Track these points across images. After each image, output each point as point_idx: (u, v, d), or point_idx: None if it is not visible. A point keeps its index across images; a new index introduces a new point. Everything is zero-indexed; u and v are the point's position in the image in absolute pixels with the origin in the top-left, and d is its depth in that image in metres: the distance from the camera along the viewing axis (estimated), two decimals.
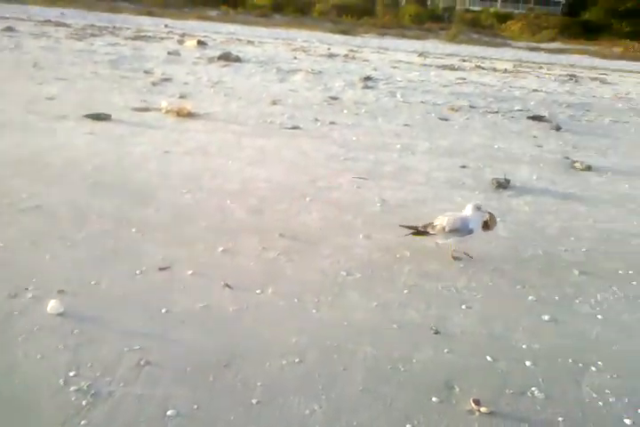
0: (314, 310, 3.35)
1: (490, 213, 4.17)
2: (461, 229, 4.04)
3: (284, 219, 4.69)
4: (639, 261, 4.36)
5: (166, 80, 10.90)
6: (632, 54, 35.62)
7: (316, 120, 8.54)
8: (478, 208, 4.07)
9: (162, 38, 19.19)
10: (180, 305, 3.27)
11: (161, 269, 3.66)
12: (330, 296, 3.53)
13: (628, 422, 2.62)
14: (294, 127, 7.97)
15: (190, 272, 3.65)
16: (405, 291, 3.68)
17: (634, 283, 4.02)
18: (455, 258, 4.22)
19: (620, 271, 4.19)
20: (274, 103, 9.50)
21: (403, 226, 4.29)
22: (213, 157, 6.28)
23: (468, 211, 4.09)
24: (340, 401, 2.60)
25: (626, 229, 5.06)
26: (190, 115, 8.08)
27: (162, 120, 7.79)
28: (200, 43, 18.00)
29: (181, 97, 9.38)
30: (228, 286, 3.51)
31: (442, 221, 4.13)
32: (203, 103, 9.06)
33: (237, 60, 14.45)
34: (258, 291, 3.50)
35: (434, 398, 2.67)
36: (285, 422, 2.45)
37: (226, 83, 11.26)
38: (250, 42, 21.24)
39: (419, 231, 4.21)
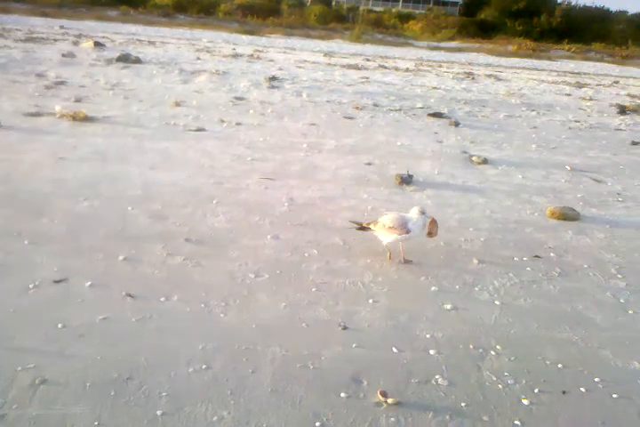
0: (221, 315, 3.30)
1: (433, 219, 4.17)
2: (398, 228, 4.03)
3: (190, 223, 4.59)
4: (533, 248, 4.63)
5: (61, 83, 10.38)
6: (524, 52, 37.75)
7: (222, 121, 8.43)
8: (422, 212, 4.06)
9: (56, 40, 18.26)
10: (78, 319, 3.12)
11: (56, 281, 3.48)
12: (238, 299, 3.49)
13: (525, 402, 2.76)
14: (199, 129, 7.83)
15: (89, 283, 3.49)
16: (314, 289, 3.70)
17: (528, 269, 4.25)
18: (406, 261, 4.22)
19: (516, 258, 4.43)
20: (177, 105, 9.29)
21: (351, 221, 4.40)
22: (113, 162, 6.04)
23: (412, 213, 4.08)
24: (249, 405, 2.57)
25: (520, 218, 5.35)
26: (87, 119, 7.74)
27: (56, 125, 7.41)
28: (97, 44, 17.29)
29: (77, 101, 8.97)
30: (129, 295, 3.39)
31: (384, 218, 4.16)
32: (101, 107, 8.71)
33: (137, 61, 14.00)
34: (162, 299, 3.40)
35: (342, 394, 2.70)
36: None
37: (125, 85, 10.88)
38: (151, 43, 20.64)
39: (362, 227, 4.27)
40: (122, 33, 25.55)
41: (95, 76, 11.54)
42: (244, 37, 30.34)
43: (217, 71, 13.53)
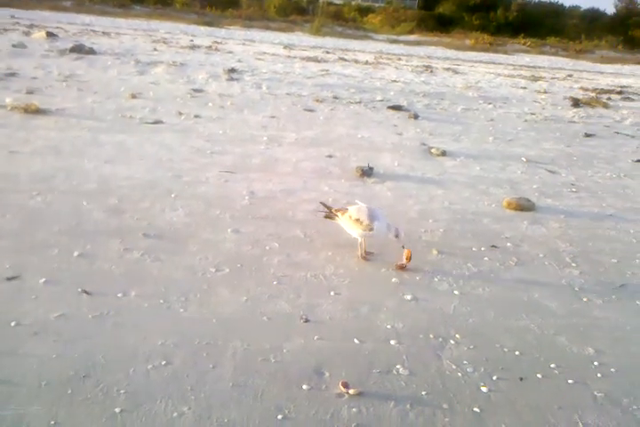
0: (181, 310, 3.25)
1: (409, 250, 3.95)
2: (364, 223, 3.92)
3: (148, 217, 4.50)
4: (490, 238, 4.71)
5: (11, 75, 10.01)
6: (482, 46, 38.26)
7: (180, 113, 8.28)
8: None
9: (5, 30, 17.58)
10: (32, 316, 3.03)
11: (9, 278, 3.37)
12: (198, 294, 3.44)
13: (484, 389, 2.81)
14: (156, 121, 7.67)
15: (43, 280, 3.39)
16: (275, 282, 3.69)
17: (486, 259, 4.33)
18: (365, 256, 4.13)
19: (474, 249, 4.50)
20: (133, 97, 9.08)
21: (322, 203, 4.30)
22: (67, 155, 5.87)
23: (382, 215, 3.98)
24: (210, 400, 2.55)
25: (478, 209, 5.43)
26: (40, 111, 7.49)
27: (7, 118, 7.15)
28: (50, 34, 16.73)
29: (29, 93, 8.67)
30: (85, 292, 3.31)
31: (352, 208, 4.05)
32: (54, 99, 8.44)
33: (92, 52, 13.61)
34: (119, 295, 3.33)
35: (304, 386, 2.70)
36: None
37: (79, 76, 10.57)
38: (106, 33, 20.08)
39: (329, 213, 4.17)
40: (76, 23, 24.78)
41: (48, 68, 11.18)
42: (203, 29, 29.81)
43: (174, 63, 13.29)
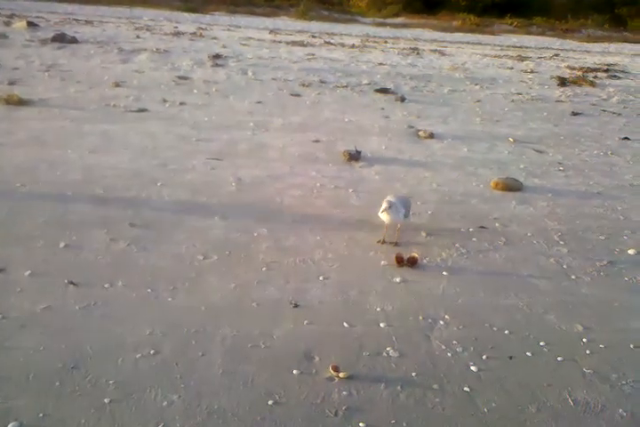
0: (169, 298, 3.23)
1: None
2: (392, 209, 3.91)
3: (134, 207, 4.46)
4: (478, 219, 4.71)
5: None
6: (468, 27, 38.01)
7: (165, 101, 8.19)
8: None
9: None
10: (18, 309, 3.00)
11: None
12: (186, 282, 3.42)
13: (474, 368, 2.82)
14: (141, 110, 7.58)
15: (28, 272, 3.35)
16: (264, 268, 3.67)
17: (474, 239, 4.33)
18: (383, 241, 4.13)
19: (462, 230, 4.50)
20: (117, 85, 8.96)
21: None
22: (51, 146, 5.80)
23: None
24: (199, 387, 2.54)
25: (466, 190, 5.43)
26: (22, 102, 7.38)
27: None
28: (31, 24, 16.44)
29: (11, 83, 8.54)
30: (72, 283, 3.28)
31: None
32: (36, 89, 8.32)
33: (74, 41, 13.41)
34: (106, 285, 3.31)
35: (294, 371, 2.70)
36: (142, 418, 2.34)
37: (62, 66, 10.41)
38: (88, 22, 19.77)
39: None
40: (58, 12, 24.36)
41: (29, 58, 11.01)
42: (187, 15, 29.40)
43: (158, 50, 13.12)
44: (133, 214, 4.30)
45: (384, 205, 3.93)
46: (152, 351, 2.76)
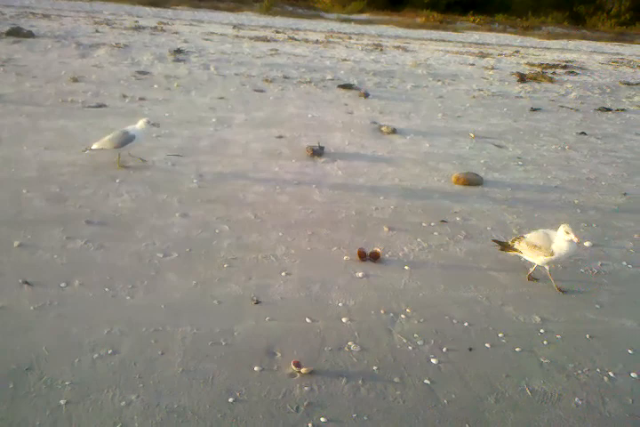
0: (128, 297, 3.17)
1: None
2: (540, 246, 3.52)
3: (91, 204, 4.36)
4: (439, 213, 4.76)
5: None
6: (432, 24, 38.34)
7: (124, 97, 8.03)
8: (567, 232, 3.42)
9: None
10: None
11: None
12: (145, 280, 3.37)
13: (434, 361, 2.85)
14: (100, 105, 7.42)
15: None
16: (225, 265, 3.64)
17: (435, 233, 4.37)
18: (561, 290, 3.66)
19: (424, 224, 4.54)
20: (75, 80, 8.74)
21: (494, 241, 3.89)
22: (5, 143, 5.62)
23: (559, 231, 3.47)
24: (158, 386, 2.50)
25: (428, 185, 5.48)
26: None
27: None
28: None
29: None
30: (26, 283, 3.19)
31: (529, 236, 3.64)
32: None
33: (30, 35, 13.02)
34: (63, 284, 3.23)
35: (256, 368, 2.68)
36: (99, 418, 2.30)
37: (17, 61, 10.11)
38: (46, 16, 19.23)
39: (505, 246, 3.76)
40: (13, 6, 23.65)
41: None
42: (149, 9, 28.88)
43: (118, 45, 12.84)
44: (91, 212, 4.21)
45: (571, 235, 3.41)
46: (110, 351, 2.70)
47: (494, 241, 3.88)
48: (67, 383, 2.48)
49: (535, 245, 3.54)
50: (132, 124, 5.20)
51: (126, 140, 5.07)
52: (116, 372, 2.57)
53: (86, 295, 3.15)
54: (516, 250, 3.67)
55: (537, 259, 3.58)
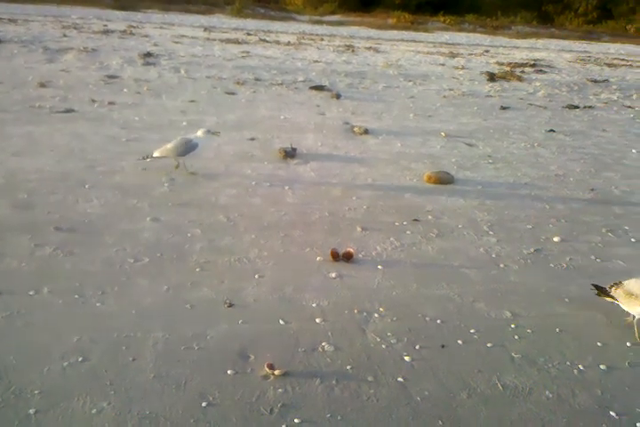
0: (98, 304, 3.13)
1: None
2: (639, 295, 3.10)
3: (60, 210, 4.30)
4: (412, 212, 4.79)
5: None
6: (403, 24, 38.61)
7: (93, 101, 7.94)
8: None
9: None
10: None
11: None
12: (116, 286, 3.33)
13: (407, 359, 2.86)
14: (68, 110, 7.32)
15: None
16: (198, 269, 3.61)
17: (408, 232, 4.40)
18: None
19: (397, 223, 4.56)
20: (42, 86, 8.62)
21: (593, 285, 3.42)
22: None
23: None
24: (130, 393, 2.47)
25: (400, 185, 5.51)
26: None
27: None
28: None
29: None
30: None
31: (628, 282, 3.22)
32: None
33: None
34: (31, 292, 3.17)
35: (229, 371, 2.67)
36: None
37: None
38: (12, 20, 18.93)
39: (603, 292, 3.34)
40: None
41: None
42: (118, 13, 28.60)
43: (86, 49, 12.70)
44: (59, 219, 4.15)
45: None
46: (80, 359, 2.66)
47: (593, 285, 3.43)
48: (36, 392, 2.43)
49: (632, 294, 3.13)
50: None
51: (189, 148, 5.06)
52: (86, 379, 2.54)
53: (56, 303, 3.10)
54: (612, 297, 3.26)
55: (633, 309, 3.15)
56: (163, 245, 3.89)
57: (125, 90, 8.94)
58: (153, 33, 18.32)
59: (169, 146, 5.12)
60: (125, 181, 5.02)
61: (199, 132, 5.16)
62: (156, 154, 5.09)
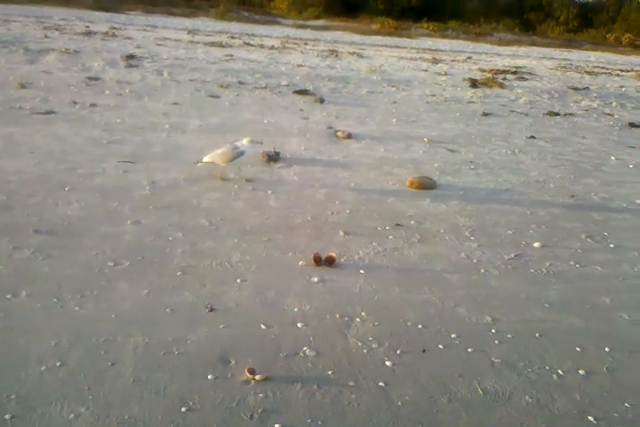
0: (76, 308, 3.09)
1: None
2: None
3: (39, 213, 4.24)
4: (394, 217, 4.81)
5: None
6: (387, 30, 38.85)
7: (74, 103, 7.86)
8: None
9: None
10: None
11: None
12: (95, 290, 3.29)
13: (388, 363, 2.86)
14: (48, 112, 7.24)
15: None
16: (179, 273, 3.58)
17: (390, 237, 4.42)
18: None
19: (379, 228, 4.58)
20: (22, 87, 8.51)
21: None
22: None
23: None
24: (108, 398, 2.44)
25: (382, 189, 5.53)
26: None
27: None
28: None
29: None
30: None
31: None
32: None
33: None
34: (8, 296, 3.12)
35: (209, 376, 2.64)
36: None
37: None
38: None
39: None
40: None
41: None
42: (101, 15, 28.39)
43: (67, 50, 12.57)
44: (38, 221, 4.09)
45: None
46: (58, 363, 2.62)
47: None
48: (12, 397, 2.39)
49: None
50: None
51: (236, 155, 5.20)
52: (64, 384, 2.50)
53: (34, 306, 3.06)
54: None
55: None
56: (143, 249, 3.85)
57: (107, 92, 8.87)
58: (136, 35, 18.21)
59: (219, 152, 5.24)
60: (106, 184, 4.97)
61: (244, 141, 5.27)
62: (205, 159, 5.21)
